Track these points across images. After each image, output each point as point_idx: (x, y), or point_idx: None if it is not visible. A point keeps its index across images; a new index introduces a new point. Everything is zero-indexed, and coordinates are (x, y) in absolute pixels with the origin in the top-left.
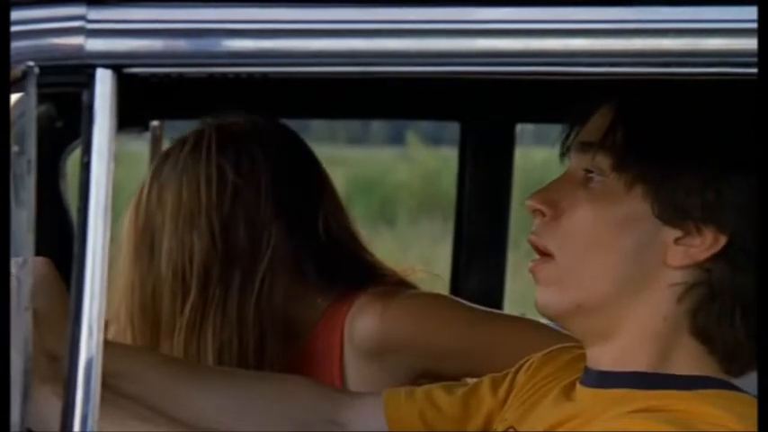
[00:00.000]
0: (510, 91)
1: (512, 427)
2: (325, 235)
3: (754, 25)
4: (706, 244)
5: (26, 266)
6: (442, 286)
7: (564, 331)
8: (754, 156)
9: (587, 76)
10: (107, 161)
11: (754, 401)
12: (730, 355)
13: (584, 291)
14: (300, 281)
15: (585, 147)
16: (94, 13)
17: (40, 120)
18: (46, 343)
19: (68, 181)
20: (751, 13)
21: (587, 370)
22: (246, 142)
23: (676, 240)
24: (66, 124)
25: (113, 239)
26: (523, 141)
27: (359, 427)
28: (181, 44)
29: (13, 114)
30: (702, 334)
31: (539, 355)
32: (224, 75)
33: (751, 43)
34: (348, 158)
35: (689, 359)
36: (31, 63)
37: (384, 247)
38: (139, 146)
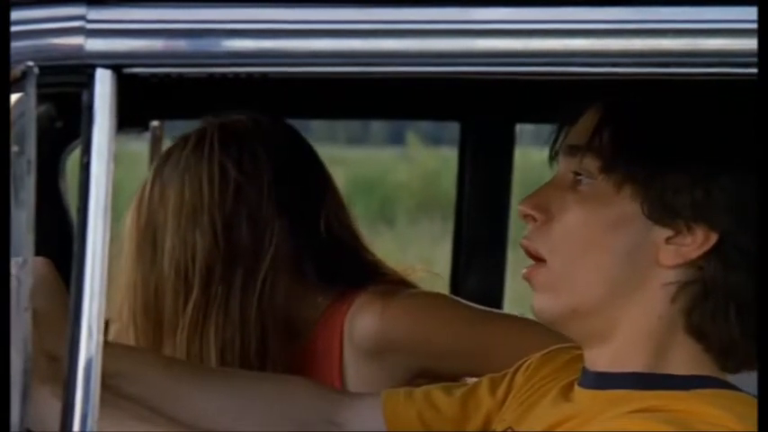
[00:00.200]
0: (510, 91)
1: (510, 427)
2: (327, 233)
3: (754, 25)
4: (697, 242)
5: (26, 266)
6: (443, 285)
7: None
8: (742, 153)
9: (587, 76)
10: (107, 161)
11: (754, 401)
12: (726, 353)
13: (577, 295)
14: (301, 279)
15: (573, 150)
16: (94, 13)
17: (39, 120)
18: (45, 343)
19: (68, 181)
20: (751, 13)
21: (585, 371)
22: (249, 140)
23: (667, 240)
24: (65, 124)
25: (113, 239)
26: (523, 141)
27: (357, 427)
28: (181, 44)
29: (13, 114)
30: (697, 332)
31: (537, 355)
32: (224, 75)
33: (751, 43)
34: (348, 158)
35: (685, 358)
36: (30, 63)
37: (384, 247)
38: (139, 146)
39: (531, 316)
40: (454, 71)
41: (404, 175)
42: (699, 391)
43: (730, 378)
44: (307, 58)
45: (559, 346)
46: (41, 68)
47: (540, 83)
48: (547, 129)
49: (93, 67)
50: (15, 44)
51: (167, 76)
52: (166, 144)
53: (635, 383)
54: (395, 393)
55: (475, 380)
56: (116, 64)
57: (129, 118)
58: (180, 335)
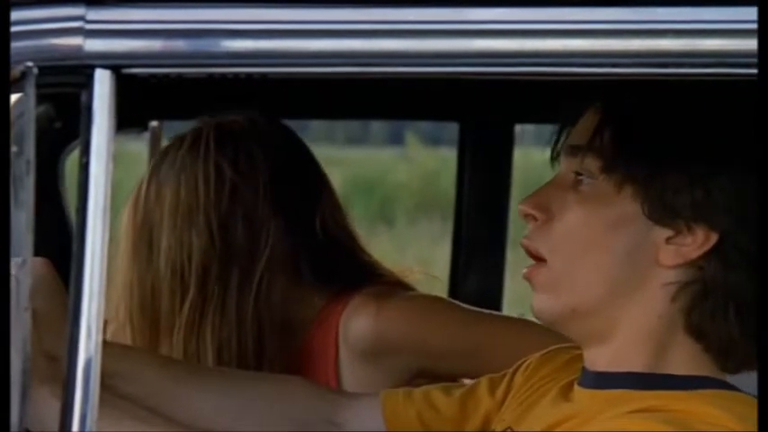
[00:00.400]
0: (509, 91)
1: (510, 427)
2: (323, 234)
3: (754, 26)
4: (697, 242)
5: (25, 267)
6: (441, 288)
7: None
8: (742, 153)
9: (586, 76)
10: (106, 161)
11: (754, 401)
12: (725, 352)
13: (577, 295)
14: (297, 280)
15: (574, 150)
16: (93, 14)
17: (38, 120)
18: (45, 343)
19: (67, 181)
20: (750, 13)
21: (584, 371)
22: (245, 140)
23: (668, 240)
24: (64, 125)
25: (112, 239)
26: (522, 141)
27: (357, 427)
28: (180, 44)
29: (12, 115)
30: (697, 332)
31: (536, 355)
32: (223, 75)
33: (750, 44)
34: (347, 159)
35: (685, 358)
36: (30, 63)
37: (383, 247)
38: (138, 146)
39: (530, 316)
40: (453, 71)
41: (403, 176)
42: (698, 391)
43: (730, 378)
44: (306, 58)
45: (559, 346)
46: (41, 69)
47: (539, 83)
48: (548, 129)
49: (92, 68)
50: (15, 44)
51: (166, 76)
52: (165, 144)
53: (635, 383)
54: (394, 393)
55: (473, 381)
56: (115, 64)
57: (128, 118)
58: (176, 334)
